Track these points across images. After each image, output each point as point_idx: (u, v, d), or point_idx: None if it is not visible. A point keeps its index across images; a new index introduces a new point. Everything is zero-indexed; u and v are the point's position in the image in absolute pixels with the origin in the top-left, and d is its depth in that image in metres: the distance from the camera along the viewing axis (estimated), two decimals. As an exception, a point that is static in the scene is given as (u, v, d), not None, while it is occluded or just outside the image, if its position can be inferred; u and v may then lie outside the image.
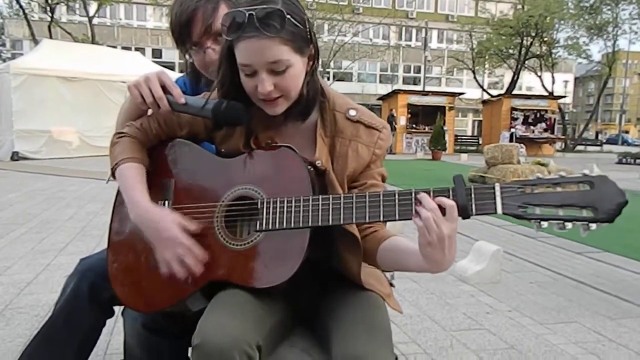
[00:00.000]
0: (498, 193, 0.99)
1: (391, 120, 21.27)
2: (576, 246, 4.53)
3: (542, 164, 9.60)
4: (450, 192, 1.01)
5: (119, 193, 1.26)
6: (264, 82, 1.09)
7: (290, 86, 1.12)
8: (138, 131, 1.27)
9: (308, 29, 1.11)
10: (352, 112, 1.23)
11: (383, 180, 1.26)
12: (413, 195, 1.02)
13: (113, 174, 1.23)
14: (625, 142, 46.49)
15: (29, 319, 2.59)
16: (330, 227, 1.10)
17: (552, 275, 3.66)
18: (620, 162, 18.60)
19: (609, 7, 28.12)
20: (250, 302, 1.07)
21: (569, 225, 0.97)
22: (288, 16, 1.05)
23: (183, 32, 1.41)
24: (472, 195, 1.00)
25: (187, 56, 1.51)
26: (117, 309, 1.50)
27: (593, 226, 0.96)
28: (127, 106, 1.34)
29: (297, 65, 1.11)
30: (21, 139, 11.70)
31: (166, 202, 1.21)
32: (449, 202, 0.99)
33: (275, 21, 1.04)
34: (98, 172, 9.03)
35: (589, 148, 31.22)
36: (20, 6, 20.75)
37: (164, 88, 1.24)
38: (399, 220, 1.04)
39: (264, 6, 1.04)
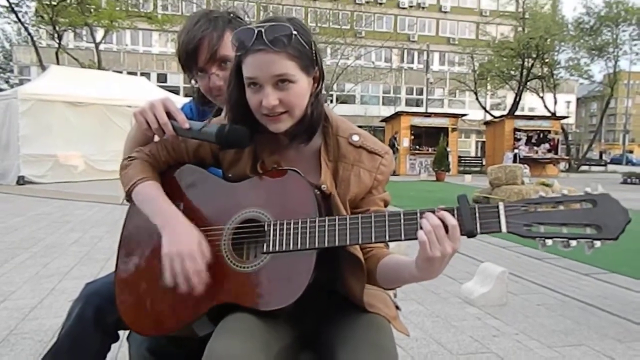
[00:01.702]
0: (502, 212, 1.00)
1: (393, 142, 21.37)
2: (583, 267, 4.49)
3: (547, 185, 9.57)
4: (455, 212, 1.02)
5: (127, 217, 1.27)
6: (268, 96, 1.11)
7: (295, 103, 1.14)
8: (147, 156, 1.29)
9: (314, 51, 1.15)
10: (355, 137, 1.25)
11: (386, 206, 1.27)
12: (418, 215, 1.03)
13: (128, 196, 1.24)
14: (629, 162, 46.33)
15: (33, 345, 2.57)
16: (336, 249, 1.11)
17: (559, 297, 3.62)
18: (625, 182, 18.52)
19: (609, 29, 28.41)
20: (258, 326, 1.07)
21: (573, 243, 0.98)
22: (295, 32, 1.09)
23: (189, 59, 1.45)
24: (477, 215, 1.01)
25: (193, 82, 1.55)
26: (122, 334, 1.50)
27: (597, 244, 0.97)
28: (134, 133, 1.36)
29: (302, 83, 1.14)
30: (27, 163, 11.78)
31: None
32: (452, 221, 1.00)
33: (283, 37, 1.08)
34: (103, 196, 9.07)
35: (594, 168, 31.19)
36: (29, 33, 21.12)
37: (169, 114, 1.26)
38: (405, 240, 1.04)
39: (273, 24, 1.09)
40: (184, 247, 1.12)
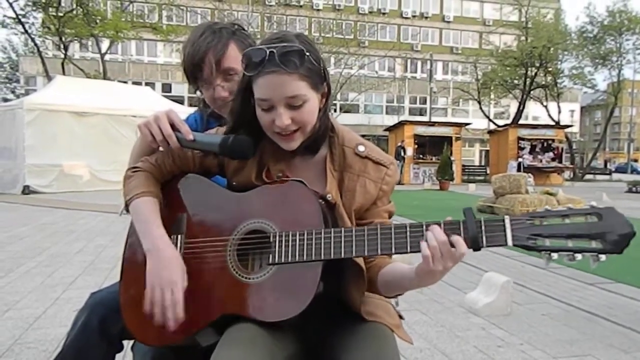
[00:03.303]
0: (508, 225, 1.01)
1: (399, 151, 21.37)
2: (588, 277, 4.47)
3: (551, 194, 9.55)
4: (461, 225, 1.03)
5: (131, 226, 1.28)
6: (281, 116, 1.12)
7: (307, 120, 1.16)
8: (152, 167, 1.30)
9: (322, 68, 1.16)
10: (361, 148, 1.26)
11: (390, 217, 1.28)
12: (424, 227, 1.04)
13: (127, 208, 1.25)
14: (634, 171, 46.11)
15: (37, 354, 2.58)
16: (341, 260, 1.11)
17: (564, 307, 3.60)
18: (630, 191, 18.44)
19: (612, 38, 28.44)
20: (261, 336, 1.08)
21: (578, 256, 0.98)
22: (307, 53, 1.10)
23: (194, 70, 1.48)
24: (483, 228, 1.02)
25: (198, 93, 1.57)
26: (127, 344, 1.50)
27: (602, 257, 0.97)
28: (139, 145, 1.38)
29: (313, 100, 1.16)
30: (32, 173, 11.85)
31: (179, 236, 1.23)
32: (462, 246, 1.01)
33: (295, 58, 1.09)
34: (108, 205, 9.10)
35: (598, 177, 31.05)
36: (35, 44, 21.33)
37: (173, 126, 1.28)
38: (411, 252, 1.05)
39: (284, 44, 1.10)
40: (165, 278, 1.12)
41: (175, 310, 1.12)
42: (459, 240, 1.01)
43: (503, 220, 1.01)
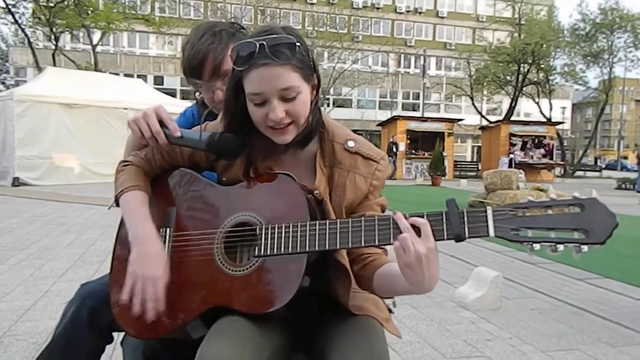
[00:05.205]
0: (490, 216, 1.00)
1: (391, 146, 21.40)
2: (577, 272, 4.51)
3: (542, 190, 9.61)
4: (444, 216, 1.02)
5: (122, 220, 1.28)
6: (276, 109, 1.11)
7: (301, 112, 1.15)
8: (142, 161, 1.30)
9: (312, 59, 1.16)
10: (351, 143, 1.25)
11: (383, 210, 1.28)
12: (406, 218, 1.04)
13: (117, 202, 1.25)
14: (624, 168, 46.53)
15: (26, 347, 2.57)
16: (326, 256, 1.11)
17: (552, 302, 3.64)
18: (619, 188, 18.64)
19: (604, 36, 28.61)
20: (249, 329, 1.08)
21: (560, 247, 0.98)
22: (298, 44, 1.09)
23: (194, 72, 1.49)
24: (465, 219, 1.01)
25: (197, 94, 1.57)
26: (116, 337, 1.50)
27: (584, 248, 0.96)
28: (132, 140, 1.38)
29: (305, 92, 1.15)
30: (22, 165, 11.74)
31: (168, 229, 1.23)
32: (421, 221, 1.01)
33: (286, 49, 1.08)
34: (99, 198, 9.05)
35: (589, 173, 31.38)
36: (26, 35, 21.06)
37: (162, 122, 1.28)
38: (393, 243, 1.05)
39: (274, 36, 1.08)
40: (149, 272, 1.13)
41: (157, 304, 1.14)
42: (421, 221, 1.01)
43: (485, 212, 1.01)
